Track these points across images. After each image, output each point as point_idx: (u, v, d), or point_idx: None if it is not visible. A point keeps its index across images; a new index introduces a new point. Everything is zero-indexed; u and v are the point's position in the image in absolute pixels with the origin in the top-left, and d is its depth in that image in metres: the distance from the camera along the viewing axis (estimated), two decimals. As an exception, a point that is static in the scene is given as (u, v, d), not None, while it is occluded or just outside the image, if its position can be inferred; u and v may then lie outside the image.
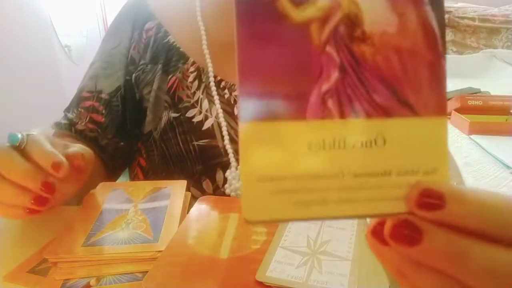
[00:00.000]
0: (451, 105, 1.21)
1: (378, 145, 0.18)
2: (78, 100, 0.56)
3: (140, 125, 0.57)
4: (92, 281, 0.30)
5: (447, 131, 0.18)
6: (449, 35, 2.12)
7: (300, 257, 0.31)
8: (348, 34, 0.17)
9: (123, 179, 0.84)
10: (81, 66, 1.83)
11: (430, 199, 0.17)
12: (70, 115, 0.56)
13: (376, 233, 0.18)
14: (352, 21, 0.17)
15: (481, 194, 0.17)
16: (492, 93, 1.31)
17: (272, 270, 0.29)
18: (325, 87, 0.17)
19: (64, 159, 0.35)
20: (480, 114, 1.09)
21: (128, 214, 0.38)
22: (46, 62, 1.62)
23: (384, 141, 0.18)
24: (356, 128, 0.18)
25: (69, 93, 0.60)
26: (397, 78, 0.18)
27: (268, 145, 0.17)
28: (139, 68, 0.56)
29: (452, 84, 1.53)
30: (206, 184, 0.53)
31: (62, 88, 1.67)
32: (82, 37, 1.94)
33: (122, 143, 0.58)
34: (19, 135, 0.35)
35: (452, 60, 1.94)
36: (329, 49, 0.17)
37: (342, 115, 0.17)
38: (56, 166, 0.34)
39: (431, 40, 0.18)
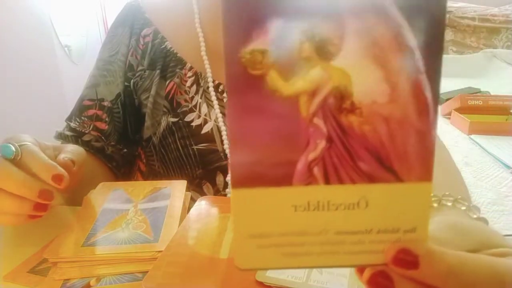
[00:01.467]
0: (451, 105, 1.21)
1: (360, 207, 0.19)
2: (80, 109, 0.56)
3: (140, 130, 0.57)
4: (92, 281, 0.30)
5: (431, 195, 0.19)
6: (449, 35, 2.12)
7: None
8: (337, 106, 0.18)
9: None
10: (81, 66, 1.83)
11: (406, 258, 0.19)
12: (73, 125, 0.56)
13: (360, 271, 0.20)
14: (342, 93, 0.17)
15: (453, 257, 0.19)
16: (492, 93, 1.31)
17: (272, 270, 0.29)
18: (311, 156, 0.18)
19: (64, 172, 0.35)
20: (480, 114, 1.09)
21: (128, 214, 0.38)
22: (46, 62, 1.62)
23: (367, 203, 0.19)
24: (340, 192, 0.19)
25: (69, 93, 0.61)
26: (383, 146, 0.18)
27: (257, 208, 0.19)
28: (137, 74, 0.57)
29: (452, 84, 1.54)
30: (207, 188, 0.53)
31: (62, 88, 1.67)
32: (82, 37, 1.94)
33: (125, 150, 0.58)
34: (12, 148, 0.35)
35: (452, 60, 1.94)
36: (317, 120, 0.18)
37: (327, 181, 0.19)
38: (57, 178, 0.34)
39: (423, 110, 0.17)
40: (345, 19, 0.16)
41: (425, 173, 0.18)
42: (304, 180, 0.18)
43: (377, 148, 0.18)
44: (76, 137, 0.54)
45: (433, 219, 0.25)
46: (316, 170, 0.18)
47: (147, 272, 0.29)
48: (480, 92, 1.36)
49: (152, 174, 0.58)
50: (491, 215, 0.69)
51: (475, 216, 0.30)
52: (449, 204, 0.31)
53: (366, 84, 0.17)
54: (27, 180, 0.34)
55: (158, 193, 0.42)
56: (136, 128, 0.58)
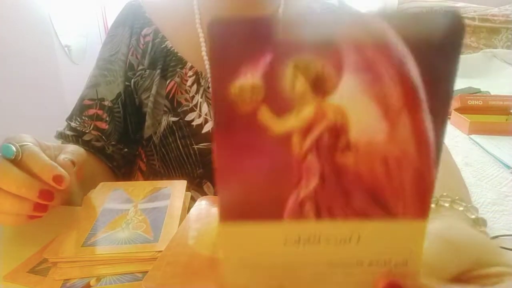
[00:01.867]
0: (451, 105, 1.21)
1: (352, 242, 0.18)
2: (81, 108, 0.56)
3: (141, 130, 0.57)
4: (92, 281, 0.30)
5: (425, 232, 0.18)
6: (449, 35, 2.12)
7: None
8: (332, 144, 0.17)
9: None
10: (81, 66, 1.83)
11: None
12: (73, 124, 0.56)
13: None
14: (337, 131, 0.16)
15: None
16: (492, 93, 1.31)
17: None
18: (303, 193, 0.18)
19: (65, 172, 0.35)
20: (480, 114, 1.09)
21: (128, 214, 0.38)
22: (46, 62, 1.62)
23: (359, 238, 0.18)
24: (332, 228, 0.18)
25: (69, 93, 0.61)
26: (379, 184, 0.17)
27: (245, 241, 0.19)
28: (137, 74, 0.57)
29: (452, 84, 1.53)
30: (207, 187, 0.53)
31: (62, 87, 1.67)
32: (82, 37, 1.94)
33: (125, 150, 0.58)
34: (13, 148, 0.35)
35: (452, 60, 1.94)
36: (311, 158, 0.17)
37: (319, 217, 0.18)
38: (57, 179, 0.34)
39: (423, 149, 0.16)
40: (343, 53, 0.15)
41: (421, 211, 0.17)
42: (295, 216, 0.18)
43: (373, 186, 0.17)
44: (76, 136, 0.54)
45: (429, 231, 0.24)
46: (308, 207, 0.18)
47: (147, 272, 0.29)
48: (480, 92, 1.36)
49: (152, 174, 0.58)
50: (491, 215, 0.68)
51: (473, 217, 0.30)
52: (447, 205, 0.31)
53: (363, 122, 0.16)
54: (28, 180, 0.34)
55: (158, 193, 0.42)
56: (137, 127, 0.58)
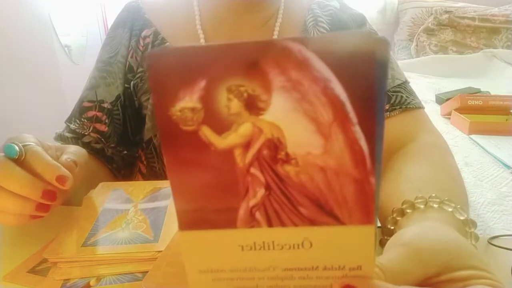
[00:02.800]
0: (451, 105, 1.21)
1: (305, 247, 0.19)
2: (80, 110, 0.56)
3: (140, 132, 0.57)
4: (92, 281, 0.30)
5: (375, 236, 0.19)
6: (449, 35, 2.12)
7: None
8: (271, 157, 0.18)
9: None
10: (81, 66, 1.83)
11: None
12: (73, 126, 0.55)
13: None
14: (275, 145, 0.18)
15: None
16: (492, 93, 1.31)
17: None
18: (252, 202, 0.19)
19: (68, 172, 0.35)
20: (480, 114, 1.09)
21: (128, 214, 0.38)
22: (46, 62, 1.62)
23: (311, 244, 0.19)
24: (283, 234, 0.19)
25: (69, 93, 0.61)
26: (322, 193, 0.18)
27: (205, 247, 0.20)
28: (137, 76, 0.56)
29: (452, 84, 1.54)
30: None
31: (62, 87, 1.67)
32: (82, 37, 1.94)
33: (125, 152, 0.58)
34: (16, 148, 0.34)
35: (452, 60, 1.94)
36: (254, 170, 0.18)
37: (270, 224, 0.19)
38: (61, 179, 0.34)
39: (358, 159, 0.17)
40: (270, 75, 0.16)
41: (366, 217, 0.18)
42: (247, 224, 0.19)
43: (316, 195, 0.18)
44: (75, 138, 0.54)
45: (398, 240, 0.24)
46: (258, 215, 0.19)
47: (147, 272, 0.29)
48: (480, 92, 1.36)
49: (152, 176, 0.58)
50: (491, 215, 0.69)
51: (462, 218, 0.30)
52: (435, 206, 0.31)
53: (298, 136, 0.17)
54: (31, 180, 0.33)
55: (158, 193, 0.42)
56: (137, 129, 0.58)
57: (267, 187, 0.18)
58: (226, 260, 0.20)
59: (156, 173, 0.57)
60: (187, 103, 0.17)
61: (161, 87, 0.17)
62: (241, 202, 0.19)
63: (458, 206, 0.30)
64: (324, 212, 0.18)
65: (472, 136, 1.02)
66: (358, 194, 0.18)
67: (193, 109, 0.17)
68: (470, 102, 1.13)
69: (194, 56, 0.16)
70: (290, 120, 0.17)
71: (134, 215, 0.38)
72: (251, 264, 0.20)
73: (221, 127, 0.17)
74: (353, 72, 0.16)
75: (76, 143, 0.53)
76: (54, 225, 0.38)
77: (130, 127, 0.58)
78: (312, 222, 0.19)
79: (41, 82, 1.57)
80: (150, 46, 0.56)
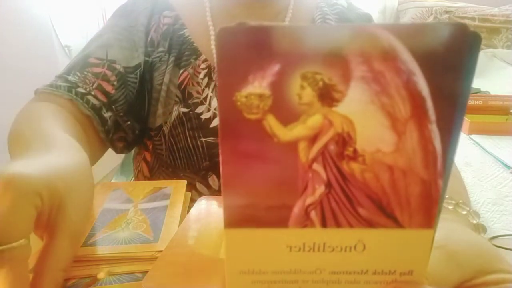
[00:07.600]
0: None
1: (357, 250, 0.18)
2: (83, 64, 0.50)
3: (145, 109, 0.55)
4: (100, 275, 0.30)
5: (432, 242, 0.18)
6: (449, 35, 2.12)
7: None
8: (338, 153, 0.17)
9: (124, 178, 0.84)
10: (81, 66, 1.83)
11: None
12: (71, 78, 0.49)
13: None
14: (344, 140, 0.17)
15: None
16: (492, 93, 1.31)
17: None
18: (309, 200, 0.18)
19: None
20: (480, 114, 1.09)
21: (128, 214, 0.38)
22: (46, 62, 1.62)
23: (364, 246, 0.18)
24: (337, 236, 0.18)
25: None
26: (385, 193, 0.17)
27: (250, 247, 0.19)
28: (157, 55, 0.55)
29: (452, 84, 1.53)
30: (212, 180, 0.53)
31: (62, 88, 1.67)
32: (82, 37, 1.94)
33: (128, 122, 0.54)
34: None
35: (452, 60, 1.93)
36: (316, 166, 0.17)
37: (324, 225, 0.18)
38: None
39: (429, 160, 0.16)
40: (351, 63, 0.15)
41: (427, 221, 0.17)
42: (300, 223, 0.18)
43: (378, 195, 0.17)
44: (69, 87, 0.47)
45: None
46: (313, 214, 0.18)
47: (147, 272, 0.29)
48: (480, 92, 1.36)
49: (158, 164, 0.57)
50: (491, 215, 0.68)
51: (474, 222, 0.30)
52: (451, 207, 0.31)
53: (370, 132, 0.16)
54: None
55: (158, 193, 0.42)
56: (145, 106, 0.55)
57: (328, 185, 0.17)
58: (270, 261, 0.19)
59: (162, 161, 0.56)
60: (255, 89, 0.15)
61: (229, 68, 0.15)
62: (297, 200, 0.18)
63: (471, 210, 0.31)
64: (383, 213, 0.17)
65: (472, 136, 1.02)
66: (422, 196, 0.17)
67: (260, 96, 0.16)
68: (470, 102, 1.13)
69: (270, 37, 0.15)
70: (364, 114, 0.16)
71: (134, 215, 0.38)
72: (296, 266, 0.19)
73: (288, 118, 0.16)
74: (440, 67, 0.15)
75: (70, 91, 0.47)
76: (54, 225, 0.37)
77: (148, 101, 0.55)
78: (369, 224, 0.18)
79: (42, 82, 1.56)
80: (171, 29, 0.55)
